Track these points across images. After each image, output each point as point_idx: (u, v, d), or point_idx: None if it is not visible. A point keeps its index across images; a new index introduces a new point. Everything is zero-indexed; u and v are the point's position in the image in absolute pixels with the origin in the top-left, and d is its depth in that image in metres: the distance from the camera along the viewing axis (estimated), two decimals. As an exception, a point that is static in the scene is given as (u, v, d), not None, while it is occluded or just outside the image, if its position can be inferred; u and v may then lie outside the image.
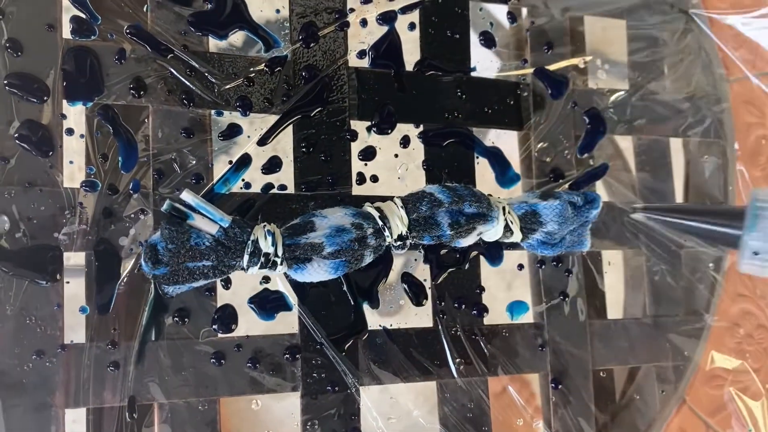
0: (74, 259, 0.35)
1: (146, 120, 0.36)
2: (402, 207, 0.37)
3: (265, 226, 0.35)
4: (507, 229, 0.39)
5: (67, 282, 0.34)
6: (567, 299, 0.43)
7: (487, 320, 0.42)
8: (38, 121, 0.35)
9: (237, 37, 0.39)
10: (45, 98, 0.35)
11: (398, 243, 0.37)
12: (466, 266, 0.41)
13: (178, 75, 0.37)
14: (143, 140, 0.36)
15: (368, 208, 0.37)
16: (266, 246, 0.34)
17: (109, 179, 0.35)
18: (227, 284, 0.37)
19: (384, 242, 0.37)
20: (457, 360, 0.40)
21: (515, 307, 0.43)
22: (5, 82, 0.34)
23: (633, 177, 0.47)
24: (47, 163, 0.35)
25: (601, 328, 0.44)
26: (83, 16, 0.36)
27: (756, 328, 0.48)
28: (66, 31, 0.35)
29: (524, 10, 0.45)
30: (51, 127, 0.35)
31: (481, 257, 0.42)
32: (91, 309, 0.35)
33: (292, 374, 0.38)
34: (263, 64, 0.38)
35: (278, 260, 0.35)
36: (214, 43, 0.38)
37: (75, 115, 0.35)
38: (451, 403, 0.40)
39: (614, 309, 0.46)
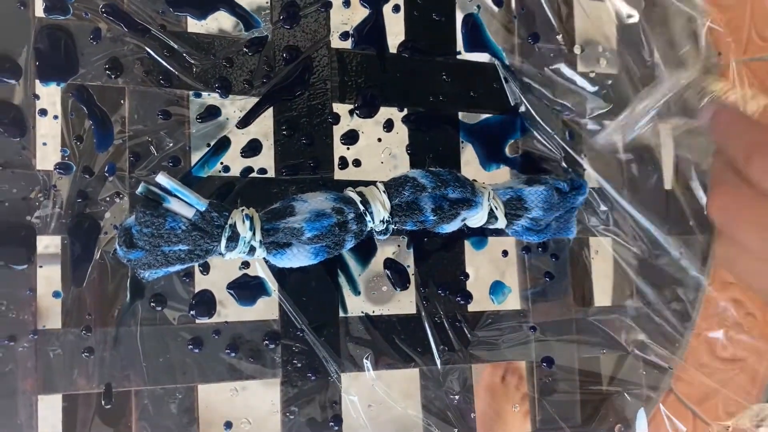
0: (48, 242, 0.34)
1: (122, 101, 0.36)
2: (384, 192, 0.36)
3: (243, 210, 0.34)
4: (491, 215, 0.38)
5: (40, 266, 0.34)
6: (551, 281, 0.43)
7: (471, 307, 0.41)
8: (10, 102, 0.34)
9: (216, 17, 0.38)
10: (17, 78, 0.34)
11: (381, 228, 0.36)
12: (453, 255, 0.41)
13: (155, 55, 0.36)
14: (119, 122, 0.35)
15: (350, 192, 0.36)
16: (244, 230, 0.33)
17: (84, 161, 0.35)
18: (205, 270, 0.36)
19: (365, 227, 0.36)
20: (441, 347, 0.40)
21: (497, 289, 0.42)
22: (-24, 61, 0.33)
23: (622, 163, 0.46)
24: (20, 144, 0.34)
25: (587, 315, 0.44)
26: (57, -7, 0.35)
27: (744, 316, 0.48)
28: (39, 9, 0.35)
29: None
30: (23, 107, 0.34)
31: (465, 242, 0.41)
32: (66, 294, 0.34)
33: (272, 361, 0.37)
34: (243, 45, 0.38)
35: (256, 245, 0.34)
36: (192, 23, 0.37)
37: (48, 95, 0.35)
38: (433, 390, 0.40)
39: (601, 296, 0.45)
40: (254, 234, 0.34)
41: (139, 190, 0.32)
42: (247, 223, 0.34)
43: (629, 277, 0.46)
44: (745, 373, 0.47)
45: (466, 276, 0.41)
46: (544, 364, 0.42)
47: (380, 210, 0.36)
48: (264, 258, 0.35)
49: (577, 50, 0.45)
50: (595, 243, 0.45)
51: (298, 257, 0.35)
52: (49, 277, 0.34)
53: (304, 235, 0.34)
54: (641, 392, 0.45)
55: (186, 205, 0.33)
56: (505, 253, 0.43)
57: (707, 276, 0.47)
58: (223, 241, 0.33)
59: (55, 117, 0.35)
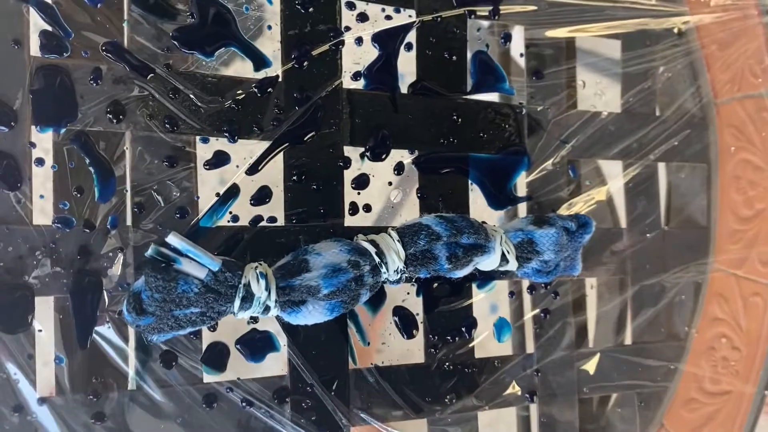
0: (47, 304, 0.32)
1: (125, 148, 0.33)
2: (398, 240, 0.35)
3: (256, 267, 0.32)
4: (503, 258, 0.38)
5: (40, 330, 0.31)
6: (549, 319, 0.43)
7: (479, 353, 0.41)
8: (4, 151, 0.31)
9: (224, 56, 0.36)
10: (11, 124, 0.31)
11: (395, 278, 0.35)
12: (460, 299, 0.40)
13: (159, 98, 0.34)
14: (121, 170, 0.33)
15: (363, 242, 0.35)
16: (259, 290, 0.32)
17: (84, 215, 0.32)
18: (213, 326, 0.35)
19: (380, 279, 0.35)
20: (448, 395, 0.39)
21: (501, 330, 0.42)
22: (-35, 106, 0.30)
23: (620, 201, 0.47)
24: (15, 197, 0.31)
25: (585, 355, 0.44)
26: (53, 30, 0.32)
27: (731, 350, 0.49)
28: (34, 48, 0.32)
29: (521, 31, 0.43)
30: (18, 157, 0.31)
31: (472, 286, 0.41)
32: (69, 358, 0.32)
33: (282, 417, 0.36)
34: (253, 86, 0.36)
35: (271, 304, 0.32)
36: (199, 62, 0.35)
37: (45, 143, 0.32)
38: (442, 440, 0.39)
39: (597, 335, 0.46)
40: (269, 294, 0.32)
41: (149, 252, 0.30)
42: (263, 282, 0.32)
43: (623, 315, 0.46)
44: (730, 404, 0.49)
45: (474, 321, 0.40)
46: (527, 395, 0.42)
47: (395, 260, 0.35)
48: (276, 315, 0.33)
49: (580, 85, 0.45)
50: (591, 282, 0.45)
51: (314, 314, 0.34)
52: (49, 342, 0.31)
53: (321, 292, 0.33)
54: (635, 427, 0.46)
55: (198, 265, 0.31)
56: (511, 294, 0.42)
57: (698, 313, 0.48)
58: (237, 302, 0.32)
59: (53, 167, 0.32)
